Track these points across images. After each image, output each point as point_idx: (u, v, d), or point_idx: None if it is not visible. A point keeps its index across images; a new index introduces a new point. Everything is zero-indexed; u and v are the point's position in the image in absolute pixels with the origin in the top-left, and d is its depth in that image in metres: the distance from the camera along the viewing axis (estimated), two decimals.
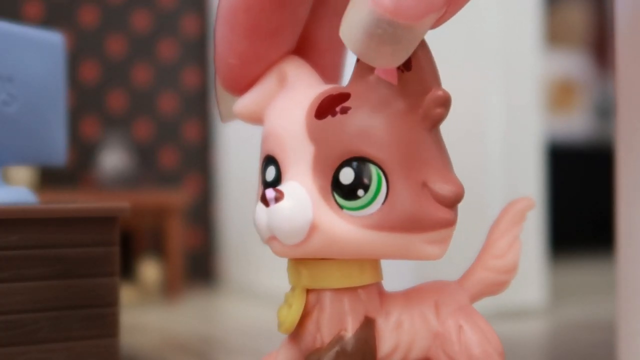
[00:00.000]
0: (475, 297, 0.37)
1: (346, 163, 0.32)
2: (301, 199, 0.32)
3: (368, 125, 0.32)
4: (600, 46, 1.94)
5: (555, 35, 1.74)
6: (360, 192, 0.32)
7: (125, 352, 0.63)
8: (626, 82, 0.48)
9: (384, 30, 0.30)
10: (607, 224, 0.74)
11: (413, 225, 0.32)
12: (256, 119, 0.37)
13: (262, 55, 0.36)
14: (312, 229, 0.32)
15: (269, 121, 0.35)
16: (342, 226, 0.32)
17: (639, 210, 0.47)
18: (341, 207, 0.32)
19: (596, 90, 1.89)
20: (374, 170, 0.32)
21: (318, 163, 0.33)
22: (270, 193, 0.32)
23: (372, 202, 0.32)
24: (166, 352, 0.66)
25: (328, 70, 0.39)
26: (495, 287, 0.37)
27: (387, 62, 0.31)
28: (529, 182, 0.88)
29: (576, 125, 1.80)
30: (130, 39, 1.19)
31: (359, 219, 0.32)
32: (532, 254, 0.87)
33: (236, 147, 1.16)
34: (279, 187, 0.32)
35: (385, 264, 0.35)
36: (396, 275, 0.42)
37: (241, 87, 0.37)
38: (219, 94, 0.39)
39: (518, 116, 0.87)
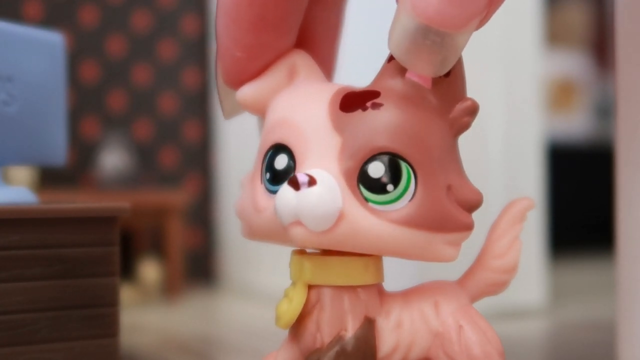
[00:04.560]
0: (476, 297, 0.37)
1: (376, 157, 0.32)
2: (331, 185, 0.32)
3: (401, 123, 0.32)
4: (600, 46, 1.94)
5: (555, 35, 1.74)
6: (389, 187, 0.32)
7: (125, 352, 0.63)
8: (626, 82, 0.48)
9: (432, 41, 0.30)
10: (607, 224, 0.74)
11: (438, 224, 0.32)
12: (259, 108, 0.37)
13: (268, 47, 0.36)
14: (340, 217, 0.32)
15: (280, 111, 0.35)
16: (369, 218, 0.32)
17: (639, 210, 0.47)
18: (367, 199, 0.32)
19: (596, 90, 1.89)
20: (404, 167, 0.32)
21: (345, 154, 0.33)
22: (302, 177, 0.32)
23: (399, 198, 0.32)
24: (166, 352, 0.66)
25: (322, 62, 0.39)
26: (496, 287, 0.37)
27: (436, 70, 0.32)
28: (529, 182, 0.88)
29: (576, 125, 1.80)
30: (130, 39, 1.19)
31: (385, 214, 0.32)
32: (532, 254, 0.87)
33: (236, 147, 1.16)
34: (308, 172, 0.32)
35: (386, 264, 0.35)
36: (397, 275, 0.42)
37: (245, 80, 0.37)
38: (222, 90, 0.39)
39: (518, 116, 0.87)
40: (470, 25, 0.30)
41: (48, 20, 1.11)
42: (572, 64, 1.84)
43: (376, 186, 0.32)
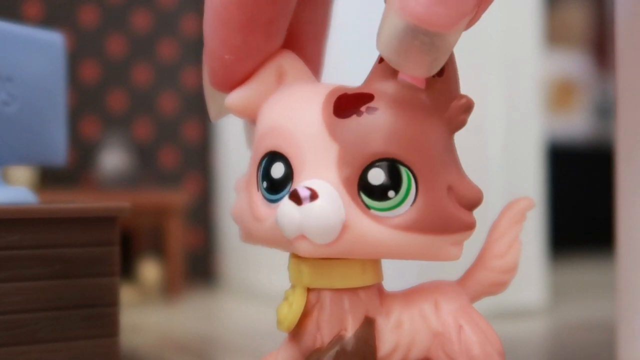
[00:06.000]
0: (475, 297, 0.37)
1: (375, 164, 0.32)
2: (333, 197, 0.32)
3: (398, 127, 0.32)
4: (600, 46, 1.94)
5: (555, 35, 1.74)
6: (390, 193, 0.32)
7: (125, 352, 0.63)
8: (626, 82, 0.48)
9: (422, 41, 0.30)
10: (607, 224, 0.74)
11: (441, 227, 0.32)
12: (249, 113, 0.36)
13: (257, 49, 0.35)
14: (344, 228, 0.32)
15: (272, 117, 0.35)
16: (372, 226, 0.32)
17: (639, 210, 0.47)
18: (368, 207, 0.32)
19: (596, 90, 1.89)
20: (404, 171, 0.32)
21: (343, 162, 0.32)
22: (304, 191, 0.31)
23: (401, 204, 0.32)
24: (166, 352, 0.66)
25: (309, 62, 0.39)
26: (495, 287, 0.37)
27: (427, 71, 0.31)
28: (529, 182, 0.88)
29: (576, 125, 1.80)
30: (130, 39, 1.19)
31: (388, 220, 0.32)
32: (532, 254, 0.87)
33: (236, 147, 1.16)
34: (309, 185, 0.32)
35: (386, 264, 0.35)
36: (397, 275, 0.42)
37: (234, 83, 0.36)
38: (208, 92, 0.38)
39: (518, 116, 0.87)
40: (460, 25, 0.30)
41: (48, 20, 1.11)
42: (572, 64, 1.84)
43: (377, 193, 0.32)
